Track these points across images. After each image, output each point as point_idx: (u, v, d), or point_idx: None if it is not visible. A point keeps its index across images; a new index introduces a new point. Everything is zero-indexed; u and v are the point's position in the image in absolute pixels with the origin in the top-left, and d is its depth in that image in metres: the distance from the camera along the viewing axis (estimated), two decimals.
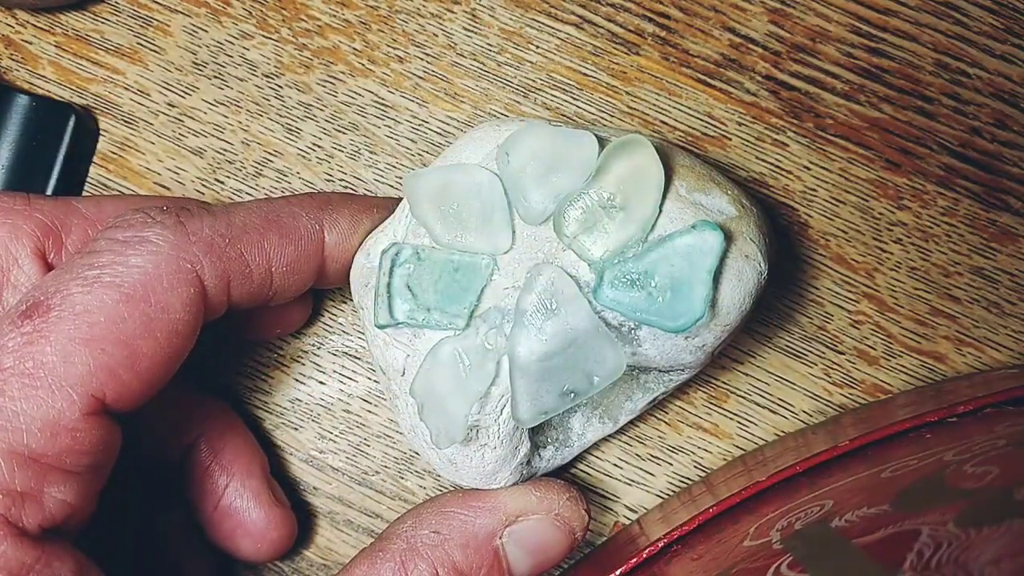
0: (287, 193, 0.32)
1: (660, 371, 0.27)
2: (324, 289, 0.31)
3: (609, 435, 0.29)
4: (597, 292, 0.24)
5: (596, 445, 0.31)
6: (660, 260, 0.24)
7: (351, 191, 0.32)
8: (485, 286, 0.25)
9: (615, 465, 0.31)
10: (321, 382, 0.32)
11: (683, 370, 0.27)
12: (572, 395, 0.24)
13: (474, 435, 0.26)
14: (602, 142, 0.25)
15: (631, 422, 0.29)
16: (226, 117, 0.32)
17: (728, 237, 0.24)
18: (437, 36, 0.32)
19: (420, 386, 0.25)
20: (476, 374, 0.25)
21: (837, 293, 0.31)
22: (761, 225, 0.26)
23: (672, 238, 0.24)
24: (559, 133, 0.24)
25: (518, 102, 0.32)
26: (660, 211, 0.25)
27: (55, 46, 0.32)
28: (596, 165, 0.24)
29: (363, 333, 0.32)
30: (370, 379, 0.32)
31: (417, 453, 0.32)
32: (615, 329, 0.25)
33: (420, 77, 0.32)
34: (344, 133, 0.32)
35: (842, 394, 0.31)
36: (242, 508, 0.29)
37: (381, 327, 0.26)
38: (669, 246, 0.24)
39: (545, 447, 0.28)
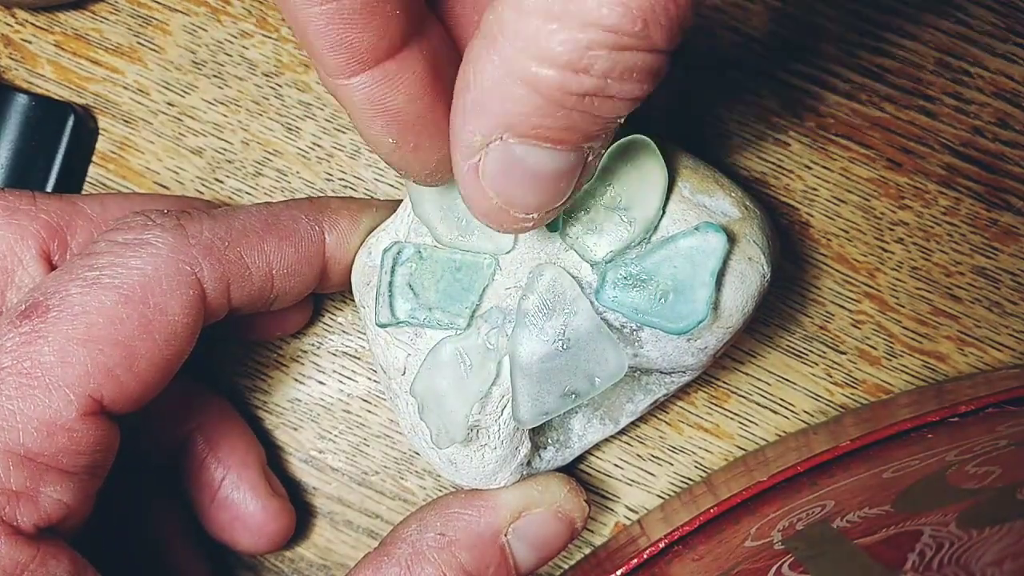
0: (287, 192, 0.32)
1: (661, 372, 0.27)
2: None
3: (610, 436, 0.29)
4: (599, 293, 0.24)
5: (597, 445, 0.31)
6: (663, 261, 0.24)
7: (351, 190, 0.32)
8: (487, 286, 0.25)
9: (616, 465, 0.31)
10: (321, 382, 0.32)
11: (684, 372, 0.27)
12: (573, 396, 0.24)
13: (474, 435, 0.26)
14: None
15: (632, 423, 0.29)
16: (225, 116, 0.32)
17: (731, 239, 0.24)
18: None
19: (421, 385, 0.25)
20: (477, 374, 0.25)
21: (838, 293, 0.31)
22: (764, 227, 0.26)
23: (675, 239, 0.24)
24: None
25: None
26: (663, 212, 0.25)
27: (54, 45, 0.32)
28: (599, 165, 0.24)
29: (363, 332, 0.32)
30: (370, 379, 0.32)
31: (417, 453, 0.31)
32: (617, 330, 0.25)
33: None
34: (344, 132, 0.32)
35: (843, 394, 0.31)
36: (239, 500, 0.29)
37: (382, 326, 0.26)
38: (672, 247, 0.24)
39: (545, 448, 0.28)
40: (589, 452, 0.31)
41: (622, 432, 0.31)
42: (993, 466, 0.22)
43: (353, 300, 0.28)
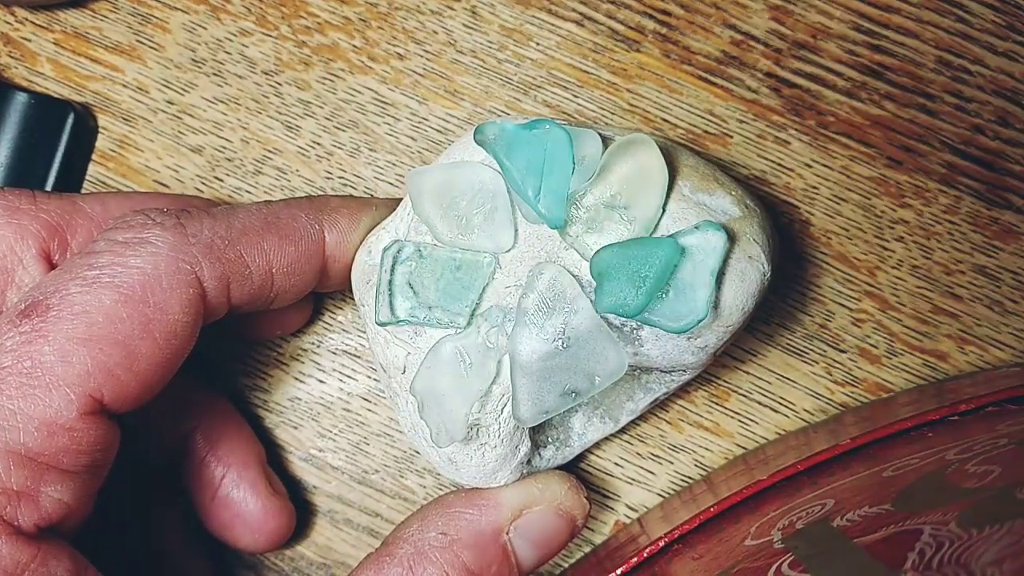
0: (286, 191, 0.32)
1: (662, 371, 0.27)
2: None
3: (610, 434, 0.29)
4: None
5: (597, 444, 0.31)
6: None
7: (351, 188, 0.32)
8: (487, 284, 0.25)
9: (616, 464, 0.31)
10: (321, 380, 0.32)
11: (685, 370, 0.27)
12: (573, 395, 0.24)
13: (474, 434, 0.26)
14: (605, 141, 0.25)
15: (632, 421, 0.29)
16: (225, 115, 0.32)
17: (731, 238, 0.24)
18: (437, 33, 0.32)
19: (421, 384, 0.25)
20: (477, 373, 0.25)
21: (839, 291, 0.31)
22: (765, 226, 0.26)
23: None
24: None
25: (518, 99, 0.32)
26: (663, 211, 0.25)
27: (54, 43, 0.32)
28: (600, 164, 0.24)
29: (363, 331, 0.32)
30: (370, 377, 0.32)
31: (417, 451, 0.31)
32: (617, 329, 0.25)
33: (420, 74, 0.32)
34: (344, 131, 0.32)
35: (844, 393, 0.31)
36: (239, 499, 0.29)
37: (382, 324, 0.26)
38: None
39: (545, 446, 0.28)
40: (589, 451, 0.31)
41: (622, 431, 0.31)
42: (993, 465, 0.22)
43: (353, 298, 0.28)
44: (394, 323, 0.25)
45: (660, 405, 0.31)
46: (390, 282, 0.25)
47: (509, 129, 0.24)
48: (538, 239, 0.25)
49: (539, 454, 0.28)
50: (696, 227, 0.24)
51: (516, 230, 0.25)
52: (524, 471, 0.27)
